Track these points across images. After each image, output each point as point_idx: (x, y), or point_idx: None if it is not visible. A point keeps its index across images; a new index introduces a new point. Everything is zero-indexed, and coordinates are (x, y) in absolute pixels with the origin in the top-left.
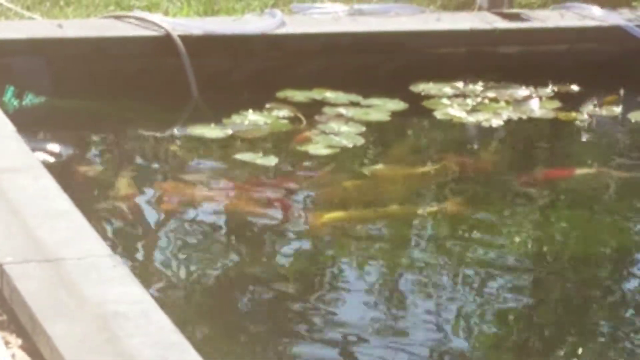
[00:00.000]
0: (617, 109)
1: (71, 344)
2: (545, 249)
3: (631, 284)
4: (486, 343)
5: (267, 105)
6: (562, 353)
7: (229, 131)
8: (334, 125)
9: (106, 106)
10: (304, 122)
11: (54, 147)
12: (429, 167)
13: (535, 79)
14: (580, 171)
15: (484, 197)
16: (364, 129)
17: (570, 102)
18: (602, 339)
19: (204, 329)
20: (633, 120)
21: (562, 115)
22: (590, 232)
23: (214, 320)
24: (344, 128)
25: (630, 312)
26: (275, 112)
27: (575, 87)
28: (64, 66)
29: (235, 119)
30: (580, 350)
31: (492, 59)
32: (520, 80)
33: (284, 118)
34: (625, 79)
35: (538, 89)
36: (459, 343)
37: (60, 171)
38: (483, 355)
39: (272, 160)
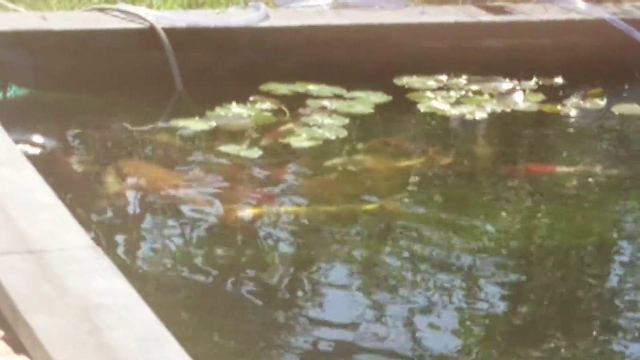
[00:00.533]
0: (602, 102)
1: (53, 335)
2: (527, 243)
3: (615, 277)
4: (469, 337)
5: (251, 98)
6: (547, 346)
7: (213, 123)
8: (318, 118)
9: (90, 99)
10: (288, 114)
11: (38, 139)
12: (411, 161)
13: (519, 72)
14: (562, 169)
15: (466, 190)
16: (347, 121)
17: (555, 95)
18: (588, 333)
19: (187, 322)
20: (617, 113)
21: (546, 108)
22: (573, 226)
23: (197, 313)
24: (328, 120)
25: (614, 304)
26: (258, 105)
27: (559, 80)
28: (48, 58)
29: (219, 111)
30: (565, 343)
31: (477, 52)
32: (505, 73)
33: (267, 110)
34: (609, 72)
35: (522, 82)
36: (442, 337)
37: (44, 163)
38: (467, 349)
39: (255, 153)
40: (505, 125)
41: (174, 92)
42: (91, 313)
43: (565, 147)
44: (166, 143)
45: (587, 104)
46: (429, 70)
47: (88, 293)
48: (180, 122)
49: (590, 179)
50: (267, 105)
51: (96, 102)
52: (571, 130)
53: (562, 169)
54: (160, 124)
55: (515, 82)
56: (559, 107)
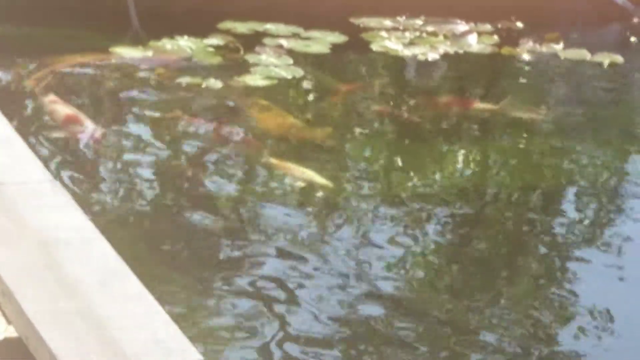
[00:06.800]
0: (557, 47)
1: (12, 269)
2: (470, 182)
3: (561, 214)
4: (417, 279)
5: (209, 36)
6: (493, 283)
7: (149, 53)
8: (263, 57)
9: (48, 34)
10: (242, 51)
11: None
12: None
13: (478, 16)
14: (482, 105)
15: (413, 130)
16: (302, 60)
17: (511, 38)
18: (533, 270)
19: (145, 256)
20: (562, 58)
21: (500, 51)
22: (519, 163)
23: (155, 248)
24: (283, 60)
25: (560, 242)
26: (207, 41)
27: (519, 24)
28: None
29: (165, 42)
30: (510, 281)
31: None
32: (463, 16)
33: (217, 47)
34: (569, 18)
35: (479, 25)
36: (388, 279)
37: (0, 97)
38: (414, 289)
39: (217, 85)
40: (456, 66)
41: (131, 29)
42: (50, 247)
43: (508, 87)
44: (110, 75)
45: (543, 48)
46: (388, 12)
47: (47, 227)
48: (117, 49)
49: (535, 119)
50: (215, 41)
51: (53, 37)
52: (518, 71)
53: (501, 106)
54: (108, 58)
55: (472, 24)
56: (512, 50)
